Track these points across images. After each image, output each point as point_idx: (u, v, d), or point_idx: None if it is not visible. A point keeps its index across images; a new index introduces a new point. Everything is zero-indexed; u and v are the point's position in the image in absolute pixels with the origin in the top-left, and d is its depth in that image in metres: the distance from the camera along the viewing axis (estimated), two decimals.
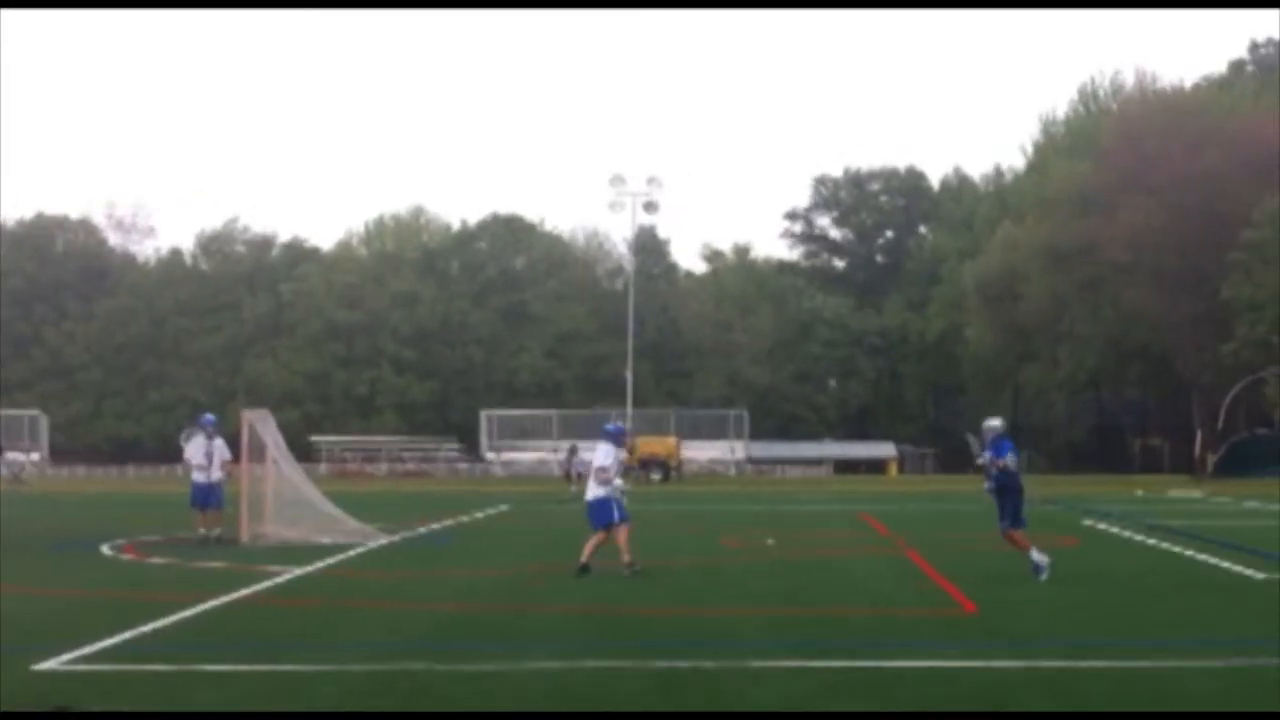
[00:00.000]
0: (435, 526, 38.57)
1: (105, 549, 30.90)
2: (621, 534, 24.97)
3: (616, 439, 25.81)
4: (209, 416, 35.63)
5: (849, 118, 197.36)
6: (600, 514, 25.05)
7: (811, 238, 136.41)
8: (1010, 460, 24.22)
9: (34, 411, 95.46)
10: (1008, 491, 24.26)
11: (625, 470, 26.30)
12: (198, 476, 33.59)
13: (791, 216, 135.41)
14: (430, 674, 15.08)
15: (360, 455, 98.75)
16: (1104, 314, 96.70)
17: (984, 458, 24.44)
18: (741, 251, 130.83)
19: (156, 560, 28.55)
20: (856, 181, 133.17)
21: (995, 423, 25.13)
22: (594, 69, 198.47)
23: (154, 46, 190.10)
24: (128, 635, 17.52)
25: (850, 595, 22.44)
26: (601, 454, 25.25)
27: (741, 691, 14.20)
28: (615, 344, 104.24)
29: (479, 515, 44.53)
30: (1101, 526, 39.09)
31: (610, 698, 13.83)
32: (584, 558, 24.83)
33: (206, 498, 33.34)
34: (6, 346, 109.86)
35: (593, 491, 25.26)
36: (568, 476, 61.07)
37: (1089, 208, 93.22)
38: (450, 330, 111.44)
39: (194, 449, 34.17)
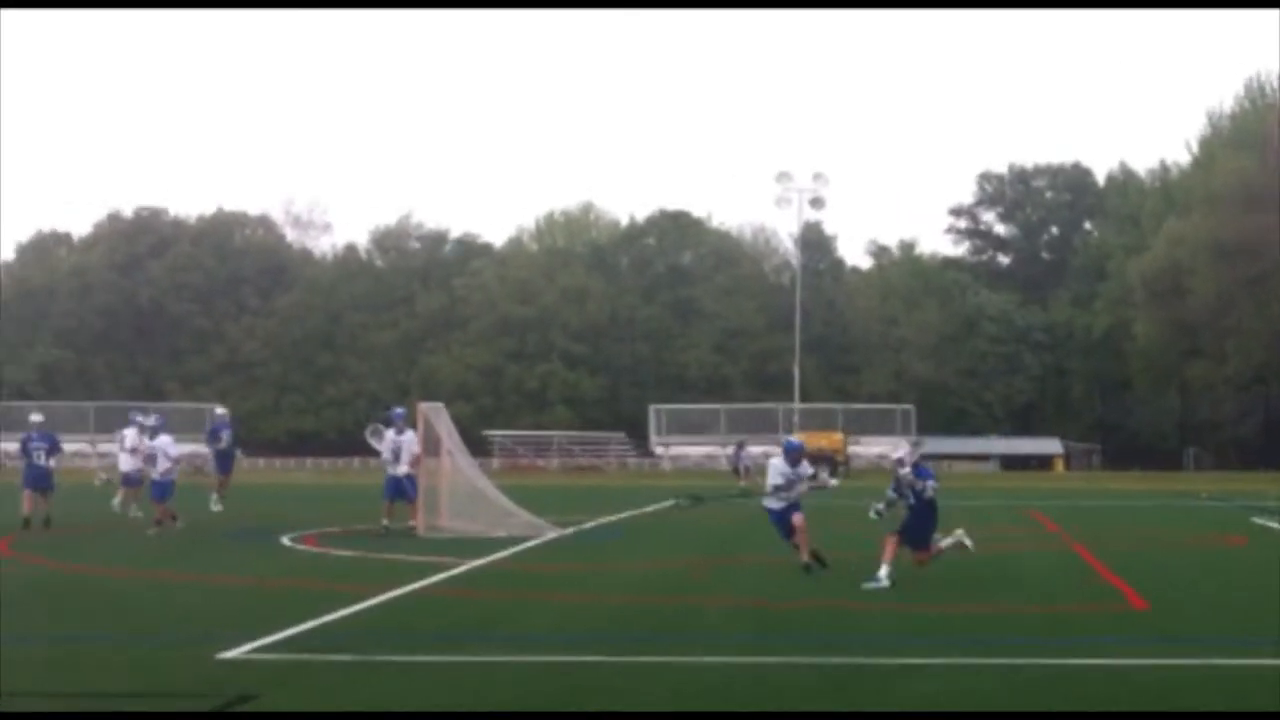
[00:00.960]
0: (605, 520, 38.65)
1: (285, 540, 31.26)
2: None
3: (789, 454, 24.72)
4: (399, 410, 35.99)
5: (1015, 114, 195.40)
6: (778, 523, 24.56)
7: (977, 233, 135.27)
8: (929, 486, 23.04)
9: (215, 405, 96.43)
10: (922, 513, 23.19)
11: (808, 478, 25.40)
12: (390, 469, 34.00)
13: (957, 212, 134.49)
14: (604, 666, 15.12)
15: (532, 449, 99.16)
16: (1271, 309, 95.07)
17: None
18: (907, 247, 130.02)
19: (335, 551, 28.83)
20: (1022, 178, 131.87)
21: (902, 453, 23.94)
22: (762, 66, 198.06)
23: (329, 45, 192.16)
24: (309, 625, 17.69)
25: (1019, 591, 22.22)
26: (772, 471, 24.64)
27: (910, 688, 14.11)
28: (782, 339, 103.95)
29: (648, 509, 44.59)
30: (1270, 525, 38.46)
31: (778, 692, 13.80)
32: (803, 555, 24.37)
33: (396, 490, 33.66)
34: (188, 341, 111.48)
35: (768, 504, 24.77)
36: (736, 471, 61.04)
37: (1255, 203, 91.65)
38: (619, 325, 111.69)
39: (386, 443, 34.46)
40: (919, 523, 23.09)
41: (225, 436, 42.12)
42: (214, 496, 40.81)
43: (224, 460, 42.00)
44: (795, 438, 27.27)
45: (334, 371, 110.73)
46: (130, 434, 38.01)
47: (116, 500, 37.73)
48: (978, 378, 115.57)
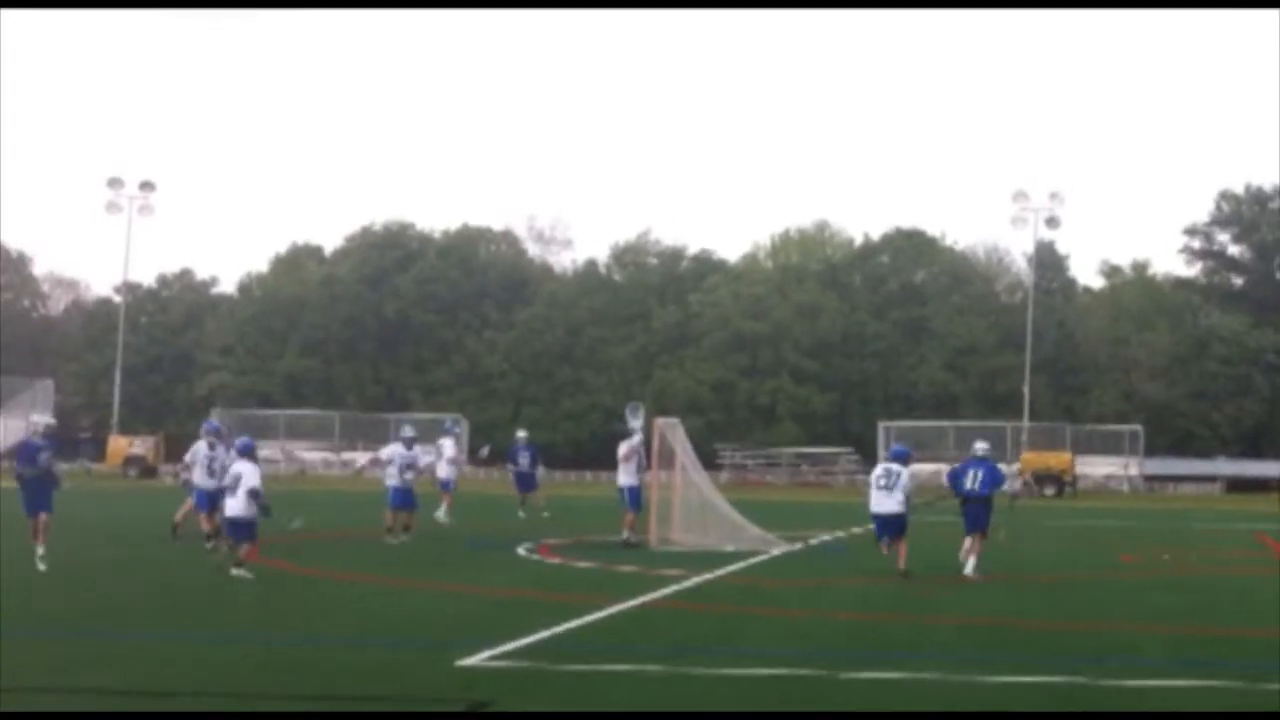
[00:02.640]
0: (834, 535, 38.59)
1: (520, 550, 31.59)
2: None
3: (901, 457, 28.86)
4: (635, 408, 36.45)
5: (1254, 133, 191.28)
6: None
7: (1210, 254, 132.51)
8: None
9: (455, 415, 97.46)
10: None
11: None
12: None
13: (1191, 232, 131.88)
14: (830, 681, 15.15)
15: (761, 464, 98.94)
16: None
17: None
18: (1140, 267, 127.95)
19: (569, 562, 29.11)
20: (1258, 198, 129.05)
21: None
22: (997, 83, 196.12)
23: (572, 65, 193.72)
24: (543, 634, 17.91)
25: (1250, 615, 21.86)
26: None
27: (1141, 709, 14.01)
28: (1012, 358, 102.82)
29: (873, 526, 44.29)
30: None
31: (1008, 711, 13.75)
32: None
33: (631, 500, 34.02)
34: (431, 352, 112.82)
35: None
36: None
37: None
38: (850, 342, 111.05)
39: (625, 449, 34.91)
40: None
41: (523, 459, 45.31)
42: (520, 510, 43.93)
43: (524, 480, 45.23)
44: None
45: (571, 384, 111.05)
46: (448, 444, 40.05)
47: (441, 510, 38.68)
48: (1207, 399, 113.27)
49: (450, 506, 39.32)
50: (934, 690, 14.85)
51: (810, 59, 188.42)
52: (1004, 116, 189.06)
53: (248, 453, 25.71)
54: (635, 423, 35.26)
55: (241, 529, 24.86)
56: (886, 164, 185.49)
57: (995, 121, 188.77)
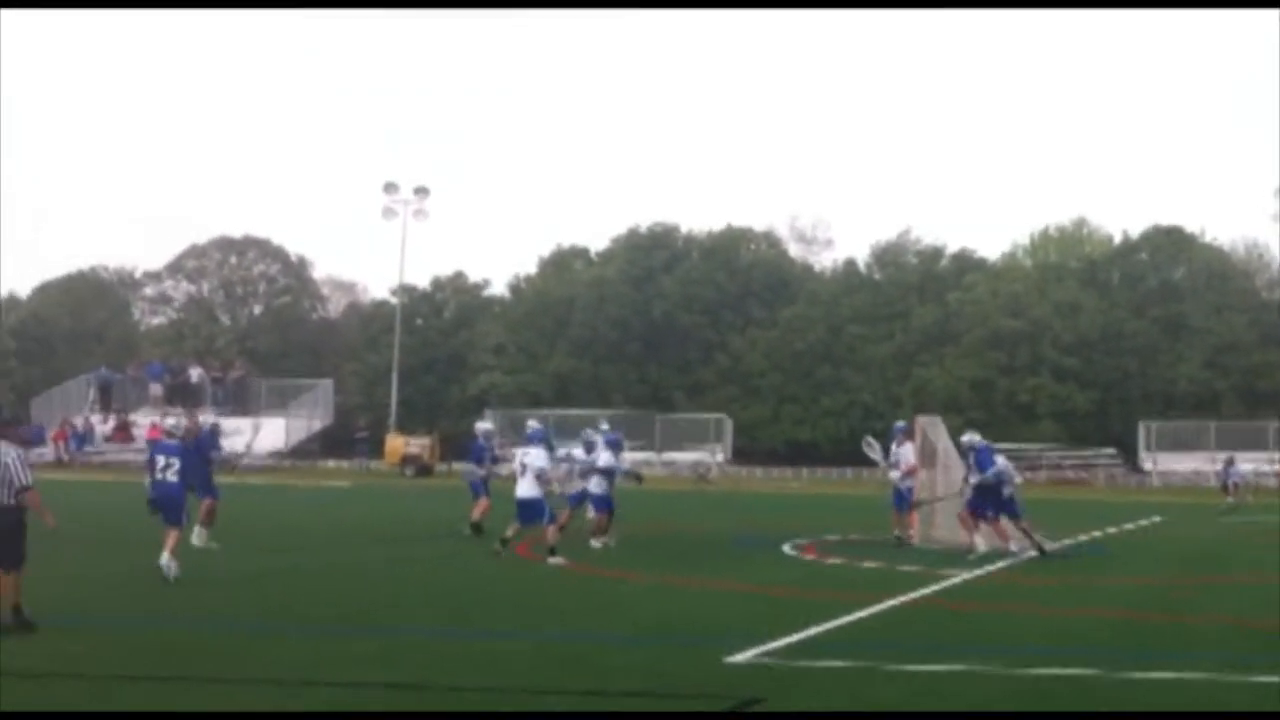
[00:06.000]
0: (1094, 535, 38.06)
1: (786, 548, 31.58)
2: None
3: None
4: (900, 424, 36.28)
5: None
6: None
7: None
8: (988, 474, 30.64)
9: (719, 415, 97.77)
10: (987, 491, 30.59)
11: None
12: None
13: None
14: (1100, 680, 14.95)
15: (1020, 462, 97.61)
16: None
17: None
18: None
19: (834, 560, 29.04)
20: None
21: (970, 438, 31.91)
22: (1259, 78, 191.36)
23: (835, 63, 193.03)
24: (811, 632, 17.90)
25: None
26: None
27: None
28: (1274, 355, 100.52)
29: (1133, 525, 43.63)
30: None
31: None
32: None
33: (898, 500, 33.93)
34: (695, 352, 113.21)
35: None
36: (1224, 488, 59.28)
37: None
38: (1109, 340, 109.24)
39: (881, 452, 34.98)
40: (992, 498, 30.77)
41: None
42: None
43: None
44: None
45: (831, 383, 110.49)
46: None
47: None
48: None
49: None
50: (1203, 690, 14.58)
51: (1068, 55, 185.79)
52: (1266, 111, 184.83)
53: (539, 440, 28.10)
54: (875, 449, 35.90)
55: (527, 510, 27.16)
56: (1145, 160, 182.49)
57: (1257, 117, 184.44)
